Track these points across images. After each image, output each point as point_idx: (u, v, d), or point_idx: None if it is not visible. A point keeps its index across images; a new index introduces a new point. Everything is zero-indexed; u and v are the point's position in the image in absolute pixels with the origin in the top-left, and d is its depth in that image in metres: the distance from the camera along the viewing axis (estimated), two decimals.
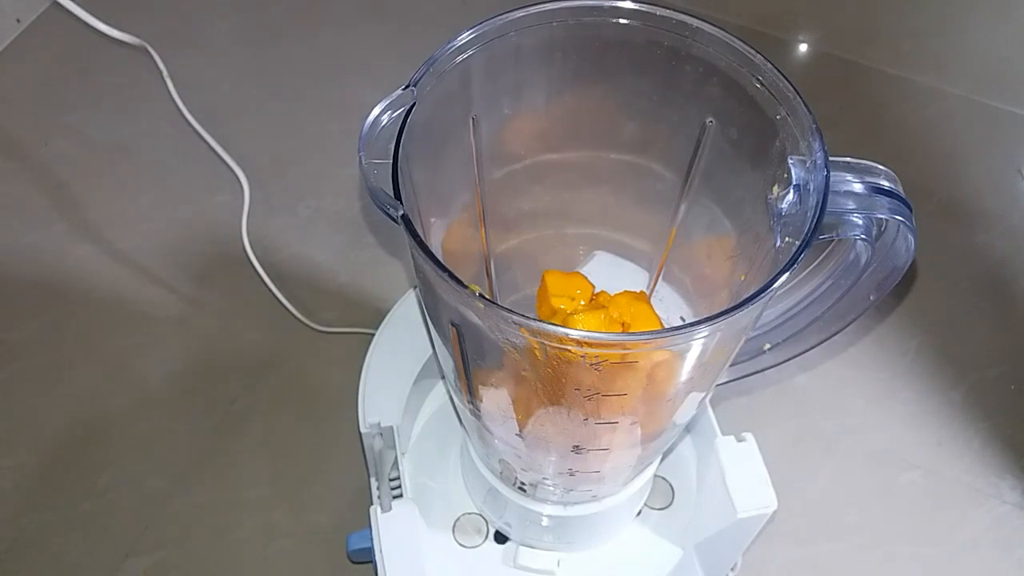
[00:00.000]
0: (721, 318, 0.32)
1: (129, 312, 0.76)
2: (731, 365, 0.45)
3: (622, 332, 0.42)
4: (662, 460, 0.55)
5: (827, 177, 0.34)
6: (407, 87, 0.36)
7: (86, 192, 0.84)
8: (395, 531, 0.47)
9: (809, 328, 0.44)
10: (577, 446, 0.42)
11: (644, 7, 0.39)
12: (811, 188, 0.35)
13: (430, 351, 0.55)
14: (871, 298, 0.41)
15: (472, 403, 0.43)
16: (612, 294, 0.46)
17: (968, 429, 0.71)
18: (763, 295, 0.32)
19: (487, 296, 0.33)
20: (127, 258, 0.79)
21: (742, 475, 0.49)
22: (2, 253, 0.80)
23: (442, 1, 1.00)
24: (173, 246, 0.80)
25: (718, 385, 0.45)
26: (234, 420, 0.70)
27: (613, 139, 0.45)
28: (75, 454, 0.68)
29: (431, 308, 0.40)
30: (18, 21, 0.95)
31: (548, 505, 0.49)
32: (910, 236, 0.37)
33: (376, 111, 0.35)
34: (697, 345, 0.35)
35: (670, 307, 0.49)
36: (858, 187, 0.36)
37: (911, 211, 0.36)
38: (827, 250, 0.41)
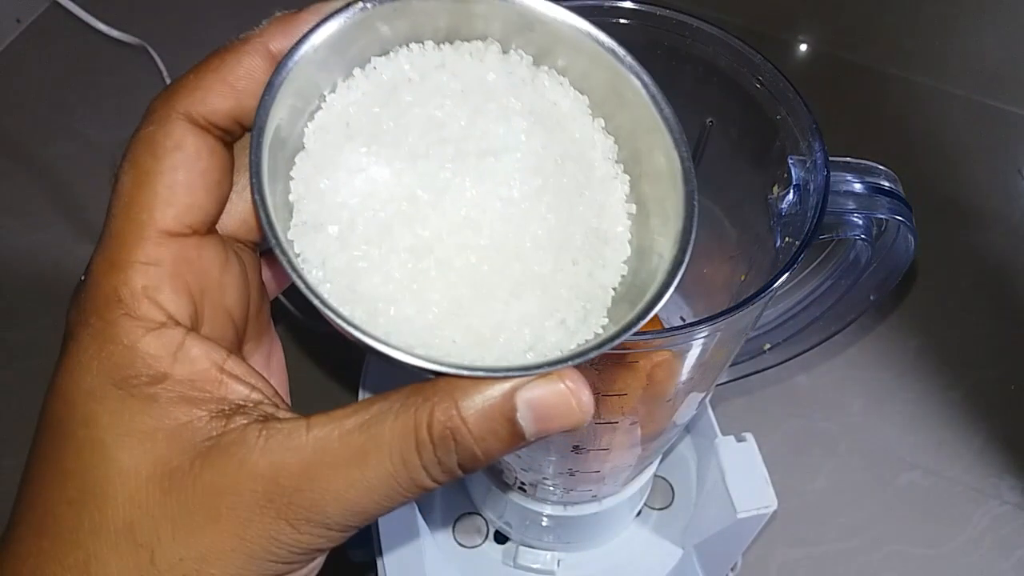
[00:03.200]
0: (721, 318, 0.32)
1: None
2: (731, 365, 0.45)
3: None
4: (662, 460, 0.55)
5: (827, 177, 0.34)
6: None
7: (86, 192, 0.84)
8: (395, 531, 0.47)
9: (809, 328, 0.44)
10: (577, 446, 0.42)
11: (644, 7, 0.39)
12: (811, 188, 0.35)
13: None
14: (871, 298, 0.41)
15: None
16: None
17: (968, 429, 0.71)
18: (763, 295, 0.32)
19: None
20: None
21: (742, 475, 0.49)
22: (2, 253, 0.80)
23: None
24: None
25: (718, 385, 0.45)
26: None
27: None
28: None
29: None
30: (18, 21, 0.95)
31: (548, 505, 0.49)
32: (910, 236, 0.37)
33: None
34: (697, 345, 0.35)
35: (670, 307, 0.49)
36: (858, 187, 0.36)
37: (911, 211, 0.36)
38: (827, 250, 0.41)
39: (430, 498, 0.55)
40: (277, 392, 0.26)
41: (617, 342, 0.23)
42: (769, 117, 0.37)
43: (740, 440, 0.51)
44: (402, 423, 0.22)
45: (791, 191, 0.36)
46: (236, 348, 0.28)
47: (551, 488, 0.47)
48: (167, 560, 0.23)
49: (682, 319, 0.49)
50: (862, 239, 0.36)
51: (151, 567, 0.23)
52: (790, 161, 0.36)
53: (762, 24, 0.99)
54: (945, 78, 0.94)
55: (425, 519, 0.52)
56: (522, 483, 0.48)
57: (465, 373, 0.22)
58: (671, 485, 0.57)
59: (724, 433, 0.52)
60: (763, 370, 0.47)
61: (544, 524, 0.50)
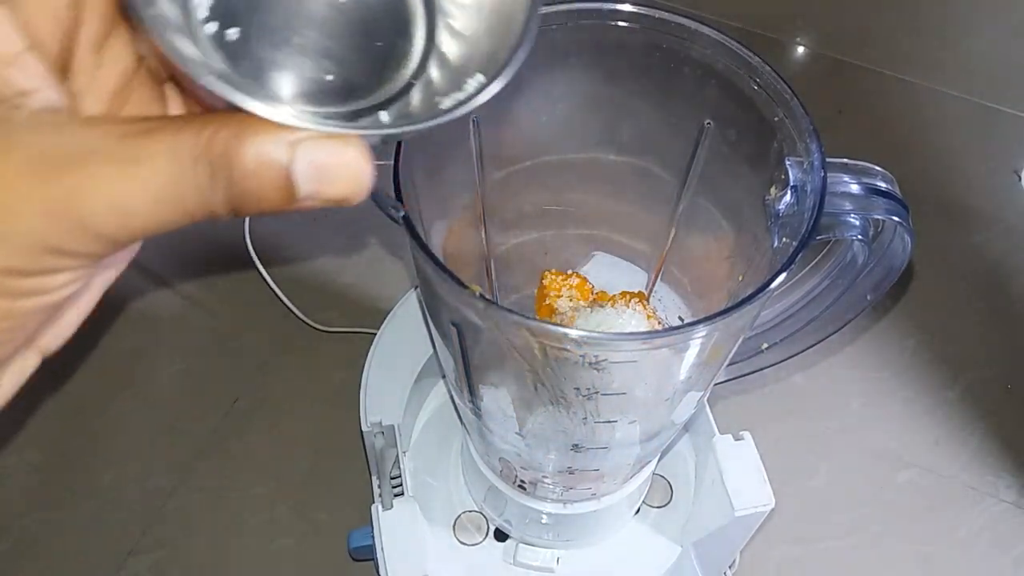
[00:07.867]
0: (719, 318, 0.32)
1: (131, 312, 0.76)
2: (729, 364, 0.46)
3: (621, 332, 0.43)
4: (660, 458, 0.55)
5: (824, 178, 0.35)
6: None
7: None
8: (396, 529, 0.48)
9: (806, 328, 0.44)
10: (576, 445, 0.42)
11: (643, 10, 0.39)
12: (808, 189, 0.35)
13: (431, 351, 0.55)
14: (868, 298, 0.42)
15: (472, 402, 0.43)
16: (611, 294, 0.47)
17: (965, 428, 0.72)
18: (760, 295, 0.33)
19: (487, 296, 0.34)
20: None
21: (740, 473, 0.50)
22: None
23: None
24: (175, 246, 0.80)
25: (716, 384, 0.46)
26: (236, 419, 0.71)
27: (612, 140, 0.45)
28: (77, 453, 0.69)
29: (432, 308, 0.41)
30: None
31: (548, 503, 0.49)
32: (907, 236, 0.37)
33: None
34: (695, 345, 0.35)
35: (669, 307, 0.50)
36: (855, 188, 0.36)
37: (908, 212, 0.36)
38: (824, 250, 0.42)
39: (430, 496, 0.55)
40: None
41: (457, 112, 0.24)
42: (767, 119, 0.38)
43: (738, 439, 0.51)
44: (186, 134, 0.20)
45: (788, 192, 0.36)
46: (56, 61, 0.23)
47: (551, 486, 0.48)
48: None
49: (680, 319, 0.49)
50: (859, 240, 0.37)
51: None
52: (787, 162, 0.36)
53: (760, 26, 0.99)
54: (942, 80, 0.95)
55: (426, 517, 0.52)
56: (522, 481, 0.48)
57: (257, 110, 0.20)
58: (670, 483, 0.57)
59: (722, 432, 0.52)
60: (761, 369, 0.47)
61: (544, 522, 0.51)
